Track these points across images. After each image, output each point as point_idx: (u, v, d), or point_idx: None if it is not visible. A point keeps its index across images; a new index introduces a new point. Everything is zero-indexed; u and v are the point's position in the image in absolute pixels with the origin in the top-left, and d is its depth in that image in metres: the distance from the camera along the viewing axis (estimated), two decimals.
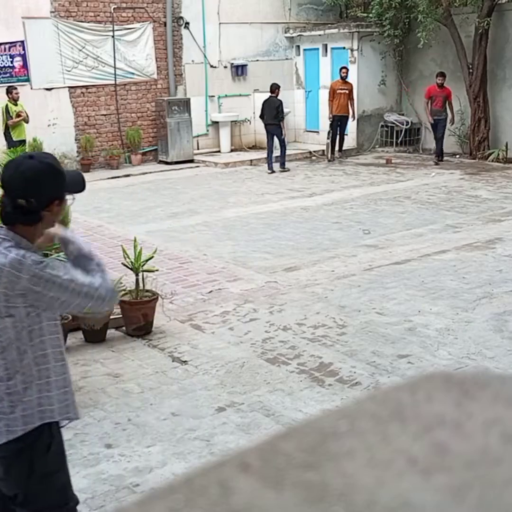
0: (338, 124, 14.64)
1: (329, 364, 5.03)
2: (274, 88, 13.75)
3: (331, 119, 14.64)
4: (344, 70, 14.64)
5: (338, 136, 14.84)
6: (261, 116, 13.95)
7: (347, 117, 14.65)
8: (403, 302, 6.29)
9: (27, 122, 12.80)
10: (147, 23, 15.10)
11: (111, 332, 5.66)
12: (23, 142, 12.07)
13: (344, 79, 14.55)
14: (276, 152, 13.80)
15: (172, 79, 15.52)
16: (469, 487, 0.41)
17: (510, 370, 4.89)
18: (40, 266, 2.28)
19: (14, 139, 12.38)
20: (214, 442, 4.03)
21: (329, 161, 14.71)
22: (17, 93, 12.72)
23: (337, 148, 14.96)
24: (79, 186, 2.47)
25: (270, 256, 7.89)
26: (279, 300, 6.43)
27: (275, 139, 13.79)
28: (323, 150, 15.49)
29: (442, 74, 13.90)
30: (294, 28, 16.73)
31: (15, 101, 12.67)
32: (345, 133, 15.11)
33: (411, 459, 0.43)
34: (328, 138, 14.84)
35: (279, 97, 13.74)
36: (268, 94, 14.10)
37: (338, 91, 14.51)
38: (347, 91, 14.50)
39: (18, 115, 12.56)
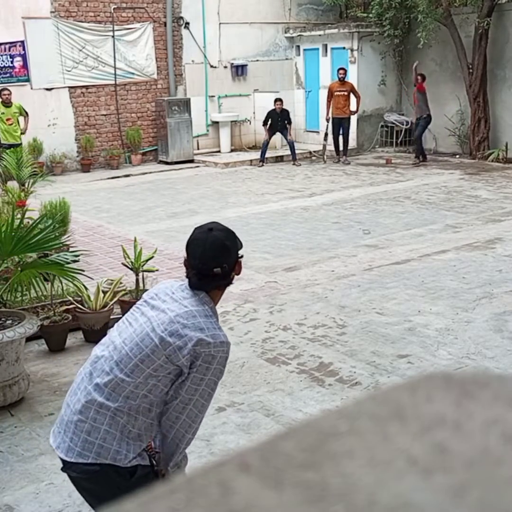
0: (339, 126, 14.52)
1: (329, 364, 5.02)
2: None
3: (328, 121, 14.56)
4: (341, 71, 14.44)
5: (341, 138, 14.69)
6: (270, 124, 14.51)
7: (347, 119, 14.49)
8: (403, 302, 6.29)
9: (23, 131, 12.32)
10: (147, 23, 15.10)
11: None
12: (16, 146, 11.53)
13: (341, 80, 14.38)
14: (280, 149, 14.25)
15: (172, 79, 15.53)
16: (469, 487, 0.41)
17: (510, 370, 4.88)
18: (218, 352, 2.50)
19: (2, 142, 11.90)
20: (214, 442, 4.03)
21: (324, 162, 14.65)
22: (6, 95, 12.24)
23: (341, 150, 14.81)
24: (240, 244, 2.69)
25: (270, 256, 7.89)
26: (279, 300, 6.43)
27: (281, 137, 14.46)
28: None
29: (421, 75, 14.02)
30: (294, 28, 16.73)
31: (6, 103, 12.25)
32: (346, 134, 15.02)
33: (411, 459, 0.43)
34: (324, 140, 14.73)
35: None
36: (268, 94, 14.17)
37: (336, 93, 14.33)
38: (345, 93, 14.30)
39: (8, 119, 12.13)
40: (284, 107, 14.52)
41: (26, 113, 12.58)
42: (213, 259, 2.53)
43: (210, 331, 2.49)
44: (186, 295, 2.57)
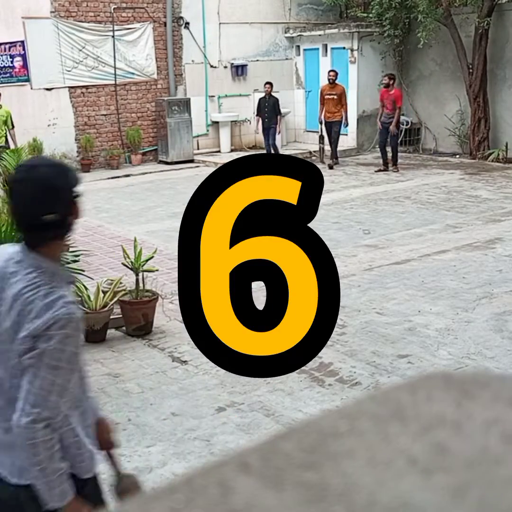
0: (329, 130, 14.12)
1: (329, 364, 5.02)
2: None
3: (320, 123, 14.35)
4: (331, 73, 13.96)
5: (331, 142, 14.27)
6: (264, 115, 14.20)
7: (338, 123, 13.96)
8: (403, 302, 6.29)
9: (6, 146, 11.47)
10: (147, 23, 15.10)
11: (111, 332, 5.66)
12: (3, 148, 10.92)
13: (331, 83, 13.90)
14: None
15: (172, 79, 15.52)
16: (469, 487, 0.41)
17: (510, 370, 4.89)
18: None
19: None
20: (214, 442, 4.03)
21: (322, 162, 14.46)
22: None
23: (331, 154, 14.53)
24: (76, 180, 2.17)
25: None
26: None
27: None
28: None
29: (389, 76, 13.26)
30: (294, 28, 16.72)
31: None
32: (344, 132, 14.73)
33: (411, 459, 0.43)
34: (320, 142, 14.58)
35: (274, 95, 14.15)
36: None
37: (326, 97, 13.89)
38: (335, 96, 13.81)
39: None
40: (273, 94, 14.01)
41: (12, 125, 11.98)
42: (40, 204, 2.01)
43: None
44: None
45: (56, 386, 2.00)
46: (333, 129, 14.05)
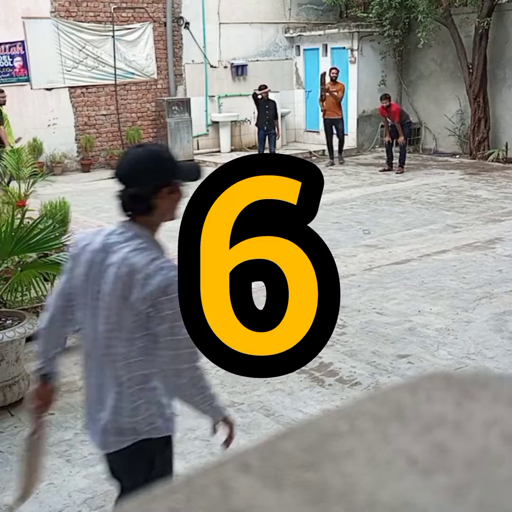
0: (331, 127, 14.23)
1: (329, 364, 5.02)
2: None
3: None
4: (333, 71, 14.12)
5: (336, 138, 14.47)
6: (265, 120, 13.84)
7: (339, 120, 14.18)
8: (403, 302, 6.29)
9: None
10: (147, 23, 15.10)
11: None
12: None
13: (333, 80, 14.06)
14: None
15: (172, 79, 15.52)
16: (469, 487, 0.41)
17: (510, 370, 4.89)
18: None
19: None
20: (214, 442, 4.03)
21: (331, 161, 14.54)
22: (3, 97, 11.57)
23: (336, 150, 14.69)
24: (193, 175, 2.35)
25: None
26: None
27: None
28: (324, 150, 15.49)
29: (386, 96, 13.07)
30: (294, 28, 16.73)
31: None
32: (346, 132, 14.87)
33: (411, 459, 0.43)
34: (327, 139, 14.73)
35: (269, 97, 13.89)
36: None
37: (328, 94, 14.02)
38: (335, 93, 13.97)
39: None
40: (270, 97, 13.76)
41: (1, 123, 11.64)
42: (128, 175, 2.27)
43: None
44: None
45: (179, 338, 2.20)
46: (336, 126, 14.22)
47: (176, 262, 2.16)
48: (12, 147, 11.27)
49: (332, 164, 14.44)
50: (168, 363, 2.27)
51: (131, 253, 2.21)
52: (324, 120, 14.33)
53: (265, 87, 13.85)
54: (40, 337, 2.51)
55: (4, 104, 11.63)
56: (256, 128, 14.23)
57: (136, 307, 2.19)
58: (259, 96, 13.70)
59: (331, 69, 14.37)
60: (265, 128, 13.88)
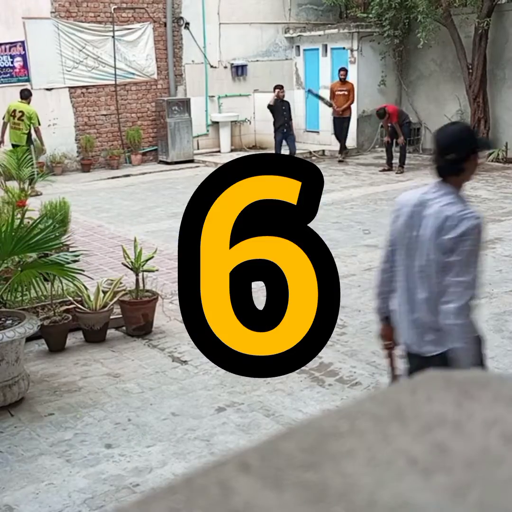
0: (339, 126, 14.51)
1: (329, 364, 5.02)
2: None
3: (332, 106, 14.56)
4: (342, 72, 14.47)
5: (341, 137, 14.67)
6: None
7: (347, 119, 14.49)
8: None
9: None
10: (147, 24, 15.10)
11: (111, 332, 5.66)
12: (14, 146, 11.30)
13: (342, 80, 14.41)
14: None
15: (172, 79, 15.53)
16: (469, 487, 0.41)
17: (510, 370, 4.89)
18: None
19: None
20: (214, 442, 4.03)
21: (339, 161, 14.68)
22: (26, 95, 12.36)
23: (340, 148, 14.83)
24: (487, 145, 2.98)
25: None
26: None
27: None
28: (324, 150, 15.50)
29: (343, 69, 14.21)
30: (294, 28, 16.73)
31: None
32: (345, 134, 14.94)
33: (411, 459, 0.43)
34: (335, 135, 14.89)
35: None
36: (268, 95, 14.07)
37: (337, 93, 14.39)
38: (345, 92, 14.34)
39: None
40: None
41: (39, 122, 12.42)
42: (449, 144, 2.93)
43: None
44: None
45: (473, 274, 2.82)
46: (343, 125, 14.44)
47: (478, 212, 2.92)
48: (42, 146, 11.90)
49: (342, 160, 14.54)
50: (452, 286, 2.85)
51: (445, 207, 2.85)
52: (334, 119, 14.52)
53: (281, 87, 13.65)
54: (378, 280, 3.24)
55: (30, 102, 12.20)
56: (274, 132, 13.62)
57: (446, 245, 2.81)
58: (275, 97, 13.33)
59: (340, 70, 14.55)
60: (285, 130, 13.50)
